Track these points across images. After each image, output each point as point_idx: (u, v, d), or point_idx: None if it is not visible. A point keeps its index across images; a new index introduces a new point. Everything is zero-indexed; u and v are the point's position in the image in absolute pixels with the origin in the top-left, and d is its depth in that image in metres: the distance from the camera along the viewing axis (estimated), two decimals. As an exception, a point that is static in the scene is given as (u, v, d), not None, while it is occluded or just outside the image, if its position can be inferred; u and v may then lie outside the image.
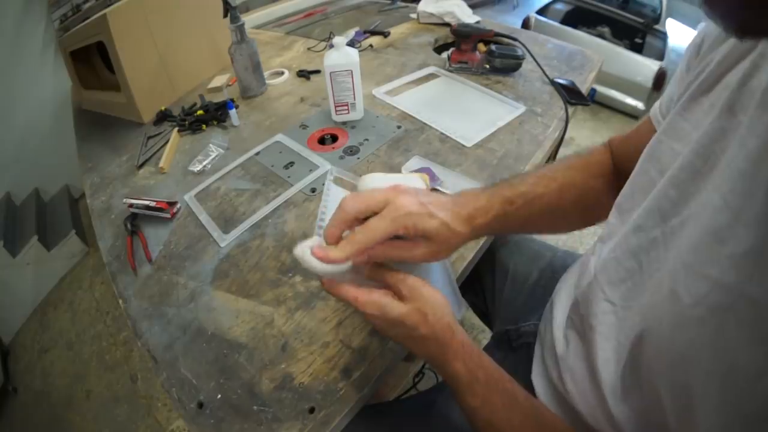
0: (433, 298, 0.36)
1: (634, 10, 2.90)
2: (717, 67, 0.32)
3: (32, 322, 1.52)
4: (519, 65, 0.96)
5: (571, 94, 0.88)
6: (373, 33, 1.21)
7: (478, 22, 1.20)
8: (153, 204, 0.68)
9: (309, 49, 1.19)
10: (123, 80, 0.89)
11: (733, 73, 0.30)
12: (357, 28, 1.23)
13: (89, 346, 1.40)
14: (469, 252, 0.58)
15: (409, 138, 0.80)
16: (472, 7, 1.27)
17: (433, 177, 0.68)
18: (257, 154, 0.80)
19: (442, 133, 0.80)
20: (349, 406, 0.44)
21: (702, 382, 0.25)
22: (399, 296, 0.36)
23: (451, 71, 1.00)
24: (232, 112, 0.88)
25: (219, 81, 1.03)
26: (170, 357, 0.49)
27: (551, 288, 0.53)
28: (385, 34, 1.20)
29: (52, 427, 1.22)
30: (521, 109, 0.85)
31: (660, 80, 2.35)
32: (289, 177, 0.73)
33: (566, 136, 0.83)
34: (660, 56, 2.49)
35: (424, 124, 0.83)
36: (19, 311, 1.53)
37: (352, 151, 0.78)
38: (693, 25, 2.79)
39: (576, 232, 1.72)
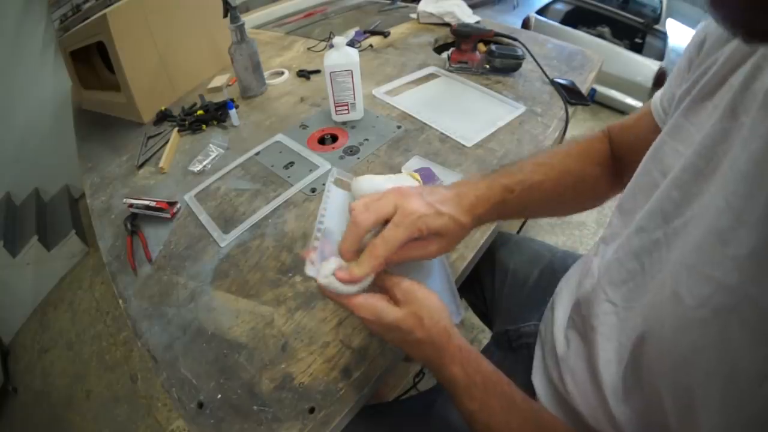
0: (428, 301, 0.36)
1: (634, 10, 2.90)
2: (720, 69, 0.32)
3: (32, 322, 1.52)
4: (519, 65, 0.96)
5: (571, 94, 0.88)
6: (373, 33, 1.21)
7: (478, 22, 1.20)
8: (153, 204, 0.68)
9: (309, 49, 1.19)
10: (123, 80, 0.89)
11: (736, 75, 0.30)
12: (357, 28, 1.23)
13: (89, 346, 1.40)
14: (469, 252, 0.58)
15: (409, 138, 0.80)
16: (472, 7, 1.27)
17: (433, 177, 0.68)
18: (257, 154, 0.80)
19: (442, 133, 0.80)
20: (349, 406, 0.44)
21: (704, 383, 0.25)
22: (394, 300, 0.36)
23: (451, 71, 1.00)
24: (232, 112, 0.88)
25: (219, 81, 1.03)
26: (170, 357, 0.49)
27: (551, 288, 0.53)
28: (385, 34, 1.20)
29: (52, 427, 1.22)
30: (521, 109, 0.85)
31: (660, 80, 2.35)
32: (289, 177, 0.73)
33: (566, 136, 0.83)
34: (660, 56, 2.49)
35: (424, 124, 0.83)
36: (19, 311, 1.53)
37: (352, 151, 0.78)
38: (693, 25, 2.79)
39: (576, 233, 1.72)
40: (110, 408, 1.22)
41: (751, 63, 0.29)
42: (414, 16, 1.32)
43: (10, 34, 1.46)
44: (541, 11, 2.93)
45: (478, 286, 0.71)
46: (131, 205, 0.68)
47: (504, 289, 0.65)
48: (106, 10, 0.81)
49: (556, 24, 2.81)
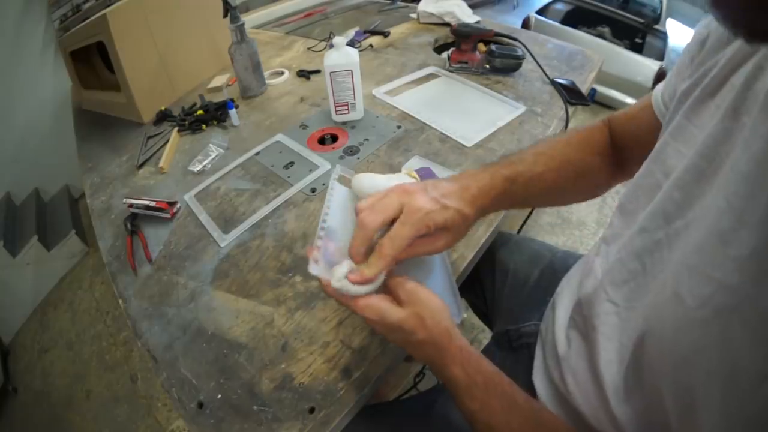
0: (431, 302, 0.36)
1: (634, 10, 2.90)
2: (722, 69, 0.32)
3: (32, 322, 1.52)
4: (519, 65, 0.96)
5: (571, 94, 0.88)
6: (373, 33, 1.21)
7: (478, 22, 1.20)
8: (153, 204, 0.68)
9: (309, 49, 1.19)
10: (123, 80, 0.89)
11: (737, 75, 0.30)
12: (357, 28, 1.23)
13: (89, 346, 1.40)
14: (470, 252, 0.58)
15: (409, 138, 0.80)
16: (472, 7, 1.27)
17: (432, 177, 0.68)
18: (257, 154, 0.80)
19: (442, 133, 0.80)
20: (349, 406, 0.44)
21: (704, 383, 0.25)
22: (397, 300, 0.36)
23: (451, 71, 1.00)
24: (232, 112, 0.88)
25: (219, 81, 1.03)
26: (170, 357, 0.49)
27: (552, 288, 0.52)
28: (385, 34, 1.20)
29: (52, 427, 1.22)
30: (521, 109, 0.85)
31: (660, 80, 2.32)
32: (289, 177, 0.73)
33: (569, 130, 0.83)
34: (660, 56, 2.49)
35: (424, 124, 0.83)
36: (19, 311, 1.53)
37: (352, 151, 0.78)
38: (693, 25, 2.79)
39: (576, 233, 1.72)
40: (110, 408, 1.22)
41: (753, 63, 0.29)
42: (414, 16, 1.32)
43: (10, 34, 1.46)
44: (541, 11, 2.93)
45: (479, 286, 0.71)
46: (131, 205, 0.68)
47: (504, 289, 0.65)
48: (106, 10, 0.81)
49: (556, 24, 2.81)
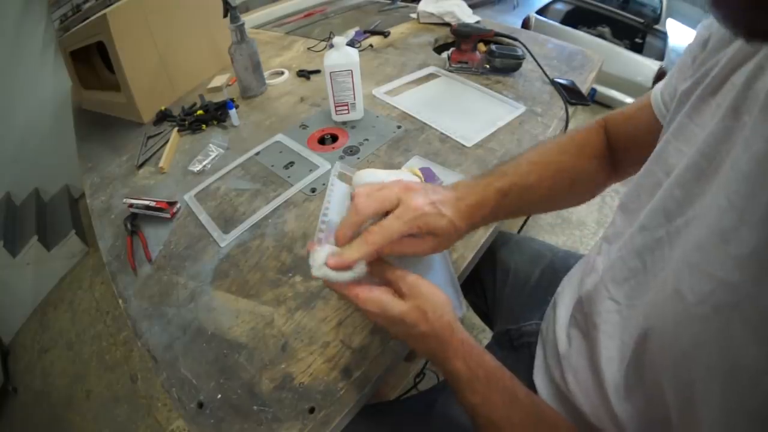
0: (433, 295, 0.36)
1: (634, 10, 2.90)
2: (723, 69, 0.32)
3: (32, 322, 1.52)
4: (519, 65, 0.96)
5: (571, 94, 0.88)
6: (373, 33, 1.21)
7: (478, 22, 1.20)
8: (153, 204, 0.68)
9: (309, 49, 1.19)
10: (123, 80, 0.89)
11: (738, 75, 0.30)
12: (357, 28, 1.23)
13: (89, 346, 1.40)
14: (470, 251, 0.58)
15: (409, 138, 0.80)
16: (472, 7, 1.27)
17: (433, 177, 0.68)
18: (257, 154, 0.80)
19: (442, 133, 0.80)
20: (349, 406, 0.44)
21: (705, 378, 0.25)
22: (399, 294, 0.36)
23: (451, 71, 1.00)
24: (232, 112, 0.88)
25: (219, 81, 1.03)
26: (170, 357, 0.49)
27: (553, 288, 0.53)
28: (385, 34, 1.20)
29: (52, 427, 1.22)
30: (521, 109, 0.85)
31: (660, 80, 2.34)
32: (289, 177, 0.73)
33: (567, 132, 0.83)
34: (660, 56, 2.50)
35: (424, 124, 0.83)
36: (19, 311, 1.53)
37: (352, 151, 0.78)
38: (693, 25, 2.79)
39: (576, 233, 1.72)
40: (110, 408, 1.22)
41: (754, 63, 0.29)
42: (414, 16, 1.32)
43: (10, 34, 1.46)
44: (541, 11, 2.94)
45: (479, 286, 0.71)
46: (131, 205, 0.68)
47: (505, 289, 0.65)
48: (106, 10, 0.81)
49: (556, 24, 2.81)
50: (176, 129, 0.88)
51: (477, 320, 0.82)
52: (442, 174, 0.69)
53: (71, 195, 1.84)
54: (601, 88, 2.52)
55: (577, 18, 2.94)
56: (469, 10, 1.25)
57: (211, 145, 0.83)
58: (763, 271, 0.23)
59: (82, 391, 1.28)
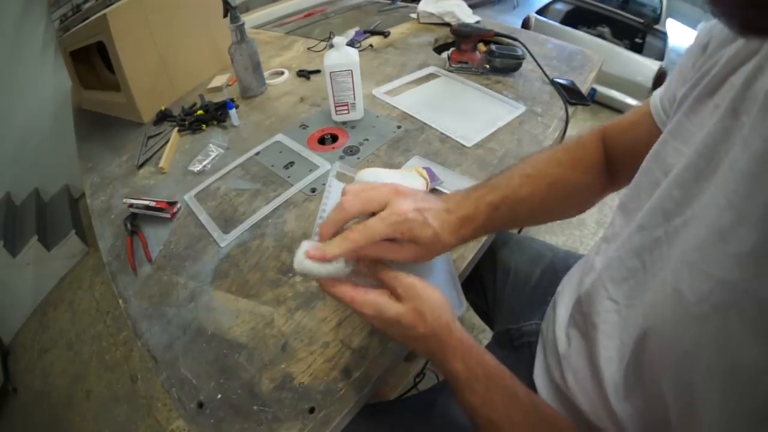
0: (430, 297, 0.36)
1: (634, 10, 2.91)
2: (722, 69, 0.32)
3: (32, 322, 1.52)
4: (519, 65, 0.96)
5: (571, 94, 0.88)
6: (373, 33, 1.21)
7: (478, 22, 1.20)
8: (153, 204, 0.68)
9: (309, 49, 1.19)
10: (123, 80, 0.89)
11: (737, 75, 0.31)
12: (357, 28, 1.23)
13: (89, 346, 1.40)
14: (470, 252, 0.58)
15: (409, 138, 0.80)
16: (472, 7, 1.27)
17: (433, 177, 0.68)
18: (257, 154, 0.80)
19: (442, 133, 0.80)
20: (349, 406, 0.44)
21: (704, 377, 0.25)
22: (395, 296, 0.36)
23: (451, 71, 1.00)
24: (232, 112, 0.88)
25: (219, 81, 1.03)
26: (170, 357, 0.49)
27: (553, 288, 0.53)
28: (385, 34, 1.20)
29: (52, 427, 1.22)
30: (521, 109, 0.85)
31: (660, 80, 2.35)
32: (289, 177, 0.73)
33: (566, 137, 0.83)
34: (660, 56, 2.50)
35: (424, 124, 0.83)
36: (19, 311, 1.53)
37: (352, 151, 0.78)
38: (693, 25, 2.79)
39: (576, 232, 1.72)
40: (110, 408, 1.22)
41: (753, 63, 0.29)
42: (414, 16, 1.32)
43: (10, 34, 1.46)
44: (541, 11, 2.94)
45: (480, 286, 0.71)
46: (131, 205, 0.68)
47: (506, 289, 0.65)
48: (106, 10, 0.81)
49: (556, 24, 2.82)
50: (176, 129, 0.88)
51: (477, 320, 0.82)
52: (442, 174, 0.69)
53: (71, 195, 1.84)
54: (601, 88, 2.52)
55: (577, 18, 2.94)
56: (469, 10, 1.25)
57: (211, 145, 0.83)
58: (762, 269, 0.23)
59: (82, 391, 1.28)
